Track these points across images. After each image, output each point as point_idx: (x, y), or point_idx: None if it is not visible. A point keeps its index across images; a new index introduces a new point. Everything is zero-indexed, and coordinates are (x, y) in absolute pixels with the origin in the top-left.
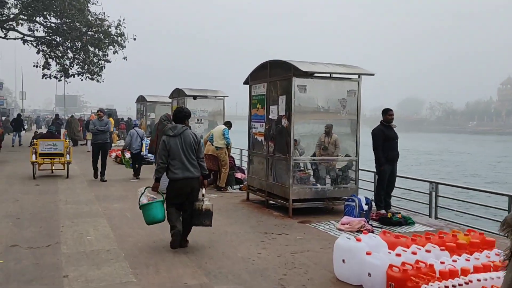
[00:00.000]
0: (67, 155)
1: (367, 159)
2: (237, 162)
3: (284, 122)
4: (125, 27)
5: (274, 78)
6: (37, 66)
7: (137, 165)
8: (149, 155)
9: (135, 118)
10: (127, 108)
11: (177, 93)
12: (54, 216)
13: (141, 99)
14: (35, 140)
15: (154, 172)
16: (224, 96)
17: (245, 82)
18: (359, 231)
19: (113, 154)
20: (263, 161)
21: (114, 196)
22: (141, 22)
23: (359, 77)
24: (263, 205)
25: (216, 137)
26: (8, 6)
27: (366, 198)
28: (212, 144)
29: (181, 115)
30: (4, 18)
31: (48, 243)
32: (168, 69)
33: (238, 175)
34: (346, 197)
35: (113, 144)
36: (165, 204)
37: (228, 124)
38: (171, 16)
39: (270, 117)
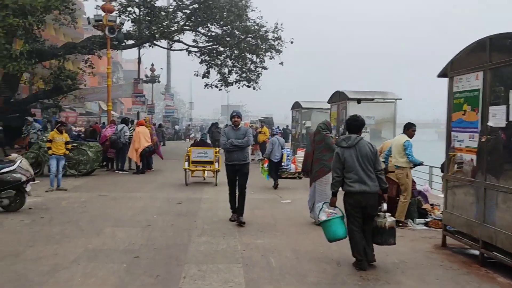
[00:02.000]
0: (216, 163)
1: None
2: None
3: None
4: (282, 31)
5: (500, 62)
6: (197, 75)
7: (275, 174)
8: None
9: (291, 126)
10: (284, 116)
11: (337, 97)
12: (180, 256)
13: (296, 106)
14: (188, 148)
15: (330, 186)
16: (396, 99)
17: (441, 74)
18: None
19: None
20: (472, 191)
21: (258, 221)
22: (298, 26)
23: None
24: (474, 259)
25: (394, 152)
26: (176, 20)
27: None
28: (385, 163)
29: (357, 124)
30: (171, 30)
31: None
32: (328, 74)
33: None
34: None
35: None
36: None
37: (410, 130)
38: (333, 19)
39: (489, 124)
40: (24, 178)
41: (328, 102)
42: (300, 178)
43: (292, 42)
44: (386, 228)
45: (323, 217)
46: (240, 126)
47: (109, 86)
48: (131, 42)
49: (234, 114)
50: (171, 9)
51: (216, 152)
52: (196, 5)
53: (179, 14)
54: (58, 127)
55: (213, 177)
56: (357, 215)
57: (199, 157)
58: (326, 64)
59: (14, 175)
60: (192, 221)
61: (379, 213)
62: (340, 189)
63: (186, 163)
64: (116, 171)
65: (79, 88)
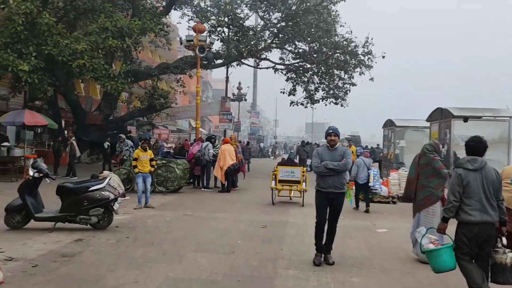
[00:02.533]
0: (303, 183)
1: None
2: None
3: None
4: (373, 45)
5: None
6: (284, 93)
7: (365, 197)
8: (377, 186)
9: (382, 145)
10: (371, 134)
11: (439, 114)
12: None
13: (388, 124)
14: (275, 167)
15: (443, 211)
16: (510, 116)
17: None
18: None
19: None
20: None
21: (351, 254)
22: (388, 40)
23: None
24: None
25: None
26: (263, 38)
27: None
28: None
29: (482, 146)
30: (258, 48)
31: None
32: (421, 90)
33: None
34: None
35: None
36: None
37: None
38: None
39: None
40: (112, 196)
41: (428, 120)
42: (394, 202)
43: (383, 57)
44: (508, 265)
45: (429, 245)
46: (337, 146)
47: (198, 104)
48: (219, 61)
49: (330, 131)
50: (258, 28)
51: (303, 172)
52: (283, 23)
53: (267, 32)
54: (141, 144)
55: (300, 197)
56: (471, 250)
57: (286, 176)
58: (421, 79)
59: (103, 193)
60: (278, 249)
61: (497, 249)
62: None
63: (273, 182)
64: (202, 189)
65: (170, 106)
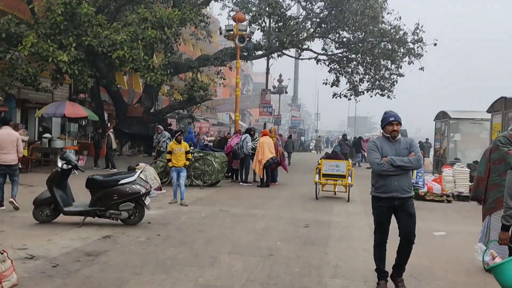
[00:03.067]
0: (349, 177)
1: None
2: None
3: None
4: (424, 32)
5: None
6: (326, 84)
7: None
8: (420, 183)
9: (434, 139)
10: (415, 129)
11: (502, 104)
12: None
13: (441, 116)
14: (319, 160)
15: (502, 218)
16: None
17: None
18: None
19: None
20: None
21: (408, 262)
22: (442, 26)
23: None
24: None
25: None
26: (307, 28)
27: None
28: None
29: None
30: (300, 38)
31: None
32: (478, 79)
33: None
34: None
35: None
36: None
37: None
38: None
39: None
40: (143, 190)
41: (488, 111)
42: (449, 201)
43: (435, 44)
44: None
45: (491, 261)
46: (398, 137)
47: (238, 95)
48: (260, 52)
49: (391, 119)
50: (300, 18)
51: (349, 165)
52: (326, 12)
53: (309, 22)
54: (176, 136)
55: (345, 192)
56: None
57: (330, 170)
58: (475, 69)
59: (134, 186)
60: (322, 253)
61: None
62: None
63: (317, 175)
64: (240, 183)
65: (210, 99)
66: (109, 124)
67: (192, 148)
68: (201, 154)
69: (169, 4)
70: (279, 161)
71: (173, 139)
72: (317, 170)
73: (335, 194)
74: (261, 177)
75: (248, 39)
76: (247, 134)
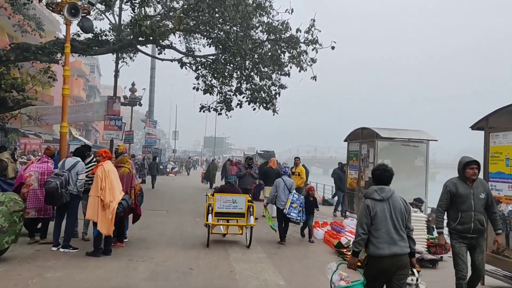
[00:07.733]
0: (250, 216)
1: None
2: None
3: None
4: (319, 31)
5: None
6: (197, 89)
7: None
8: (292, 214)
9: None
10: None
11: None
12: None
13: (364, 136)
14: (208, 194)
15: (352, 245)
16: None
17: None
18: None
19: None
20: None
21: None
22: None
23: None
24: None
25: None
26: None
27: None
28: None
29: (388, 175)
30: (163, 30)
31: None
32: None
33: None
34: None
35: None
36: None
37: None
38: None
39: None
40: None
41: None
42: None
43: (333, 48)
44: None
45: (340, 282)
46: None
47: (66, 95)
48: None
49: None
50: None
51: (249, 201)
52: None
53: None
54: None
55: (240, 233)
56: (381, 285)
57: (226, 207)
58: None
59: None
60: None
61: (409, 282)
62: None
63: (209, 215)
64: (53, 248)
65: (32, 104)
66: None
67: None
68: None
69: None
70: (134, 203)
71: None
72: (209, 207)
73: (224, 236)
74: (109, 234)
75: (85, 13)
76: (78, 159)
